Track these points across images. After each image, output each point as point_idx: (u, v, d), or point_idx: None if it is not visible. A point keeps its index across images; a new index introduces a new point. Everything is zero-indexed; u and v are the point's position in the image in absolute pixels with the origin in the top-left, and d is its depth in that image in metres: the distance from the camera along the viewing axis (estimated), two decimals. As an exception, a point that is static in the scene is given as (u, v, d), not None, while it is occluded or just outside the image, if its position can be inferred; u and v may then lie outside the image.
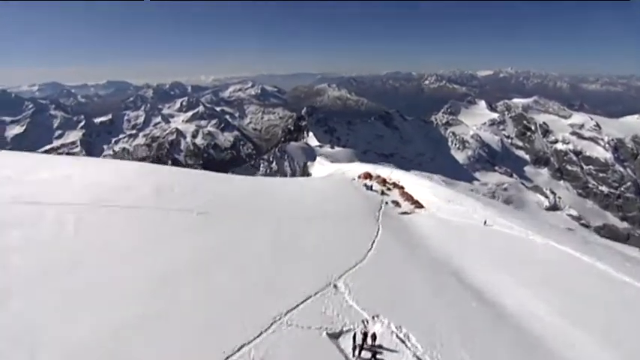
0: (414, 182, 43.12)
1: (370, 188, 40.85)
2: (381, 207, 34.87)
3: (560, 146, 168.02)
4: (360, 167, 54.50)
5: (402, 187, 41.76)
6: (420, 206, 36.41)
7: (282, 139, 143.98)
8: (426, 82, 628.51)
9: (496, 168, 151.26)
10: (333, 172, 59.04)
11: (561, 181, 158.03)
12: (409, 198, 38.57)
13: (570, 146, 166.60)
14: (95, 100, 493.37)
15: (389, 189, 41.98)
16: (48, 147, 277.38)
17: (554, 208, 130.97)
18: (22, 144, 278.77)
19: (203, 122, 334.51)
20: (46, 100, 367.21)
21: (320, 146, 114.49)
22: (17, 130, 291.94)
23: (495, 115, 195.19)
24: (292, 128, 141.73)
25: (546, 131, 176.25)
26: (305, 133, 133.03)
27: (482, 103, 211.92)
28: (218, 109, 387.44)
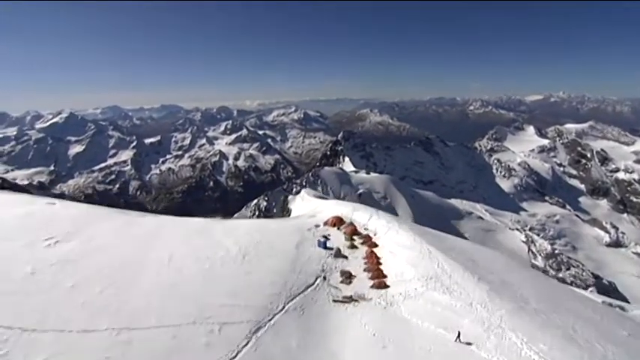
0: (398, 239, 29.18)
1: (324, 245, 28.94)
2: (315, 283, 23.65)
3: (622, 175, 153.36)
4: (341, 208, 39.88)
5: (375, 245, 29.57)
6: (383, 285, 23.59)
7: (318, 163, 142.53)
8: (471, 107, 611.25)
9: (546, 198, 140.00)
10: (308, 211, 45.16)
11: (624, 215, 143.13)
12: (373, 267, 25.95)
13: (635, 175, 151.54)
14: (149, 122, 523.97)
15: (354, 245, 30.12)
16: (103, 165, 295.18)
17: (616, 244, 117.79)
18: (80, 161, 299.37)
19: (246, 145, 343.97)
20: (105, 121, 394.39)
21: (355, 172, 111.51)
22: (78, 148, 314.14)
23: (545, 142, 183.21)
24: (329, 153, 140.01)
25: (605, 159, 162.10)
26: (341, 157, 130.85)
27: (531, 129, 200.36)
28: (261, 132, 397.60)
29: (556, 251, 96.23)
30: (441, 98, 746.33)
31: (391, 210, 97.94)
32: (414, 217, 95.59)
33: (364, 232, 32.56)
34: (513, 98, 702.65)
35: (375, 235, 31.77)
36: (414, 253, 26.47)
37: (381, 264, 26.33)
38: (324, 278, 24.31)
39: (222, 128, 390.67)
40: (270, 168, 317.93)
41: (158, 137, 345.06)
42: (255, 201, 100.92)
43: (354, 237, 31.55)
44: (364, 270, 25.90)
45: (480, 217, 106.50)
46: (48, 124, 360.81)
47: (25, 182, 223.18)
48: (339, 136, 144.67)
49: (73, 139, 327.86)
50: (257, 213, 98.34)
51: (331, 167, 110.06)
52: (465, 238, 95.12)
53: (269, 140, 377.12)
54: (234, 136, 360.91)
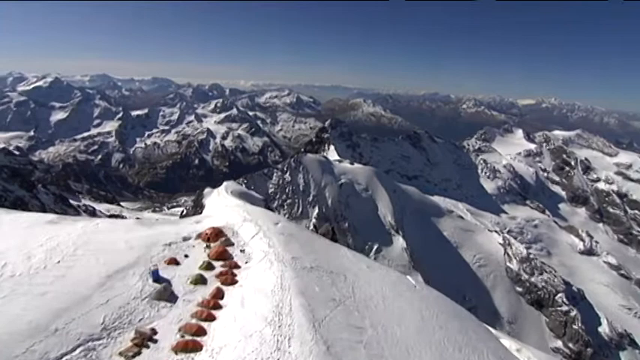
0: (262, 281, 18.60)
1: (155, 276, 18.53)
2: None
3: (602, 186, 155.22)
4: (230, 216, 28.95)
5: (232, 283, 19.09)
6: (190, 348, 14.09)
7: (302, 149, 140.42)
8: (464, 106, 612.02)
9: (527, 202, 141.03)
10: (206, 213, 35.00)
11: (600, 224, 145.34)
12: (191, 329, 15.10)
13: (614, 187, 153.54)
14: (138, 93, 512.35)
15: (202, 279, 19.14)
16: (86, 134, 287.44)
17: (589, 252, 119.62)
18: (62, 129, 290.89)
19: (235, 125, 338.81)
20: (93, 90, 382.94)
21: (339, 161, 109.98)
22: (61, 115, 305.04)
23: (532, 146, 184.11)
24: (314, 140, 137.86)
25: (587, 168, 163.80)
26: (326, 145, 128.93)
27: (520, 132, 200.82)
28: (251, 113, 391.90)
29: (531, 255, 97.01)
30: (436, 94, 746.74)
31: (372, 203, 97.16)
32: (394, 212, 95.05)
33: (233, 259, 21.70)
34: (506, 100, 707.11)
35: (245, 263, 21.11)
36: (266, 308, 16.06)
37: (214, 319, 15.92)
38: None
39: (212, 106, 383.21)
40: (257, 150, 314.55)
41: (146, 110, 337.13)
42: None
43: (217, 263, 20.86)
44: (179, 330, 15.11)
45: (461, 217, 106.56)
46: (31, 87, 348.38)
47: (3, 145, 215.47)
48: (327, 123, 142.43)
49: (57, 105, 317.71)
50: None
51: (315, 155, 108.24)
52: (444, 237, 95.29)
53: (259, 122, 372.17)
54: (223, 115, 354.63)
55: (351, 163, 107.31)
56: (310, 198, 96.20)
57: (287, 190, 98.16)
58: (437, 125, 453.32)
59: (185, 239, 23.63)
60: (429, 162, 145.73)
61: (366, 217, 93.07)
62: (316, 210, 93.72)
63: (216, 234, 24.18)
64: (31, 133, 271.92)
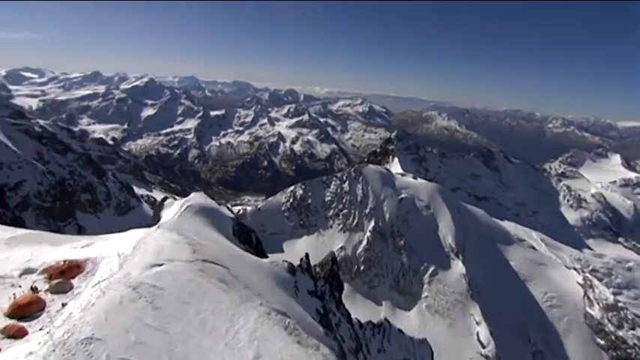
0: None
1: None
2: None
3: None
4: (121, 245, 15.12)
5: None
6: None
7: (366, 159, 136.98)
8: (550, 125, 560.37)
9: (620, 239, 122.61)
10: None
11: None
12: None
13: None
14: (219, 95, 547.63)
15: None
16: (169, 130, 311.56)
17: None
18: (150, 124, 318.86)
19: (305, 130, 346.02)
20: (180, 90, 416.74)
21: (402, 174, 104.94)
22: (150, 112, 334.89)
23: (632, 175, 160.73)
24: (379, 150, 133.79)
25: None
26: (390, 157, 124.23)
27: (617, 158, 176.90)
28: (322, 120, 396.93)
29: (620, 304, 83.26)
30: (518, 111, 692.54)
31: (433, 222, 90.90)
32: (455, 234, 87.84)
33: (39, 316, 11.48)
34: (602, 121, 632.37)
35: (39, 330, 10.69)
36: None
37: None
38: None
39: (285, 111, 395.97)
40: (325, 156, 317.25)
41: (223, 111, 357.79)
42: (292, 188, 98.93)
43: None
44: None
45: (533, 247, 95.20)
46: (130, 86, 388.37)
47: (102, 136, 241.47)
48: (393, 134, 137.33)
49: (149, 102, 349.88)
50: (292, 200, 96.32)
51: (377, 166, 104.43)
52: (511, 268, 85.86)
53: (329, 129, 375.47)
54: (295, 119, 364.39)
55: (415, 178, 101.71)
56: (367, 210, 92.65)
57: (344, 199, 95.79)
58: (516, 144, 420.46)
59: (26, 272, 14.64)
60: (501, 183, 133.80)
61: (425, 236, 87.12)
62: (372, 223, 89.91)
63: (70, 269, 14.19)
64: (125, 126, 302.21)
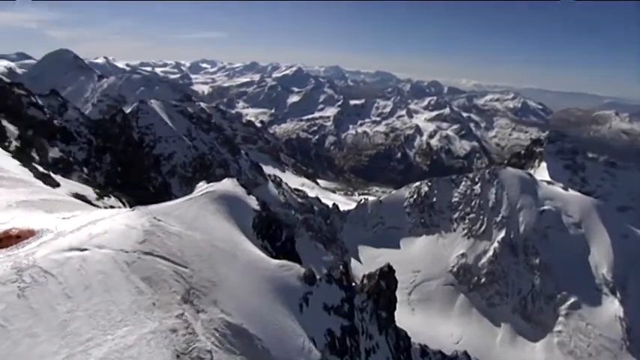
0: None
1: None
2: None
3: None
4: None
5: None
6: None
7: (505, 161, 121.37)
8: None
9: None
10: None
11: None
12: None
13: None
14: (360, 85, 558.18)
15: None
16: (310, 116, 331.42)
17: None
18: (294, 110, 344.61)
19: (444, 124, 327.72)
20: (324, 79, 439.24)
21: (549, 182, 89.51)
22: (295, 98, 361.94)
23: None
24: (523, 152, 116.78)
25: None
26: (536, 162, 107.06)
27: None
28: (465, 114, 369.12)
29: None
30: None
31: (583, 244, 75.59)
32: (614, 264, 71.29)
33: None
34: None
35: None
36: None
37: None
38: None
39: (426, 103, 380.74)
40: (464, 154, 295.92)
41: (363, 100, 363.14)
42: (417, 183, 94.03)
43: None
44: None
45: None
46: (281, 74, 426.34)
47: (252, 119, 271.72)
48: (543, 135, 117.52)
49: (296, 89, 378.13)
50: (415, 196, 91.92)
51: (517, 170, 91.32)
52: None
53: (471, 125, 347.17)
54: (435, 113, 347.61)
55: (565, 189, 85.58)
56: (498, 218, 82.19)
57: (473, 203, 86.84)
58: None
59: None
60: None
61: (569, 259, 73.00)
62: (502, 233, 79.48)
63: (7, 239, 11.15)
64: (273, 110, 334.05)
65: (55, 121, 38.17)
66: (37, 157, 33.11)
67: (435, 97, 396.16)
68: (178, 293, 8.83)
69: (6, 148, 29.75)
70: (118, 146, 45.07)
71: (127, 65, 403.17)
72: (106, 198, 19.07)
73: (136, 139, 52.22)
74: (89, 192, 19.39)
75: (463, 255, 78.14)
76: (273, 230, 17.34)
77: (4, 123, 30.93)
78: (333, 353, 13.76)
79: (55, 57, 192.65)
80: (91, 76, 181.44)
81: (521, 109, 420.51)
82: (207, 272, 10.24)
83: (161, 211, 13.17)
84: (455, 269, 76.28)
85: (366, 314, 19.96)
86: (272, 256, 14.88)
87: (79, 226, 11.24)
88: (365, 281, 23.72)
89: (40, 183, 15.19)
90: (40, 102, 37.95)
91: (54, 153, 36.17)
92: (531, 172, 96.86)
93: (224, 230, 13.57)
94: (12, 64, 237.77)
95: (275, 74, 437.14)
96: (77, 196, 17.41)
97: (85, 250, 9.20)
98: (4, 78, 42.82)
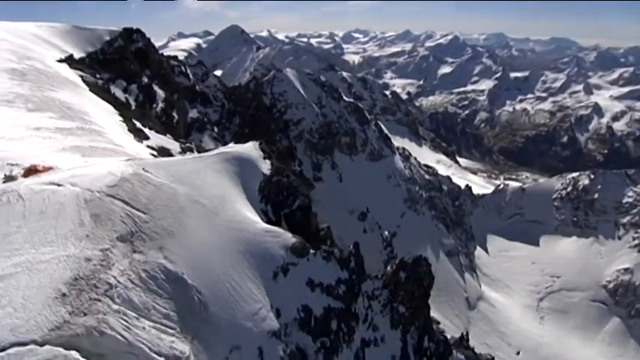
0: None
1: None
2: None
3: None
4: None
5: None
6: None
7: None
8: None
9: None
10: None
11: None
12: None
13: None
14: (528, 54, 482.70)
15: None
16: (462, 89, 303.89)
17: None
18: (444, 82, 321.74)
19: (638, 104, 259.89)
20: (483, 48, 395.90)
21: None
22: (447, 69, 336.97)
23: None
24: None
25: None
26: None
27: None
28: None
29: None
30: None
31: None
32: None
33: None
34: None
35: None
36: None
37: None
38: None
39: (615, 76, 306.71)
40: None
41: (526, 73, 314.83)
42: (575, 174, 77.90)
43: None
44: None
45: None
46: (434, 43, 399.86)
47: (399, 90, 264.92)
48: None
49: (449, 60, 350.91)
50: (570, 189, 76.75)
51: None
52: None
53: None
54: (627, 89, 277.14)
55: None
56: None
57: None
58: None
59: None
60: None
61: None
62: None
63: (33, 170, 11.98)
64: (421, 82, 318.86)
65: (197, 87, 43.88)
66: (176, 117, 38.17)
67: (630, 69, 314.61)
68: (118, 232, 8.90)
69: (152, 108, 34.90)
70: (249, 111, 49.46)
71: (286, 37, 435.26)
72: (188, 153, 20.86)
73: (267, 105, 56.30)
74: (175, 146, 21.64)
75: (627, 270, 62.42)
76: (283, 197, 16.20)
77: (155, 88, 36.27)
78: (304, 331, 12.21)
79: (227, 33, 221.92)
80: (251, 47, 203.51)
81: None
82: (168, 221, 9.90)
83: (156, 164, 13.03)
84: (611, 285, 61.64)
85: (378, 304, 17.60)
86: (270, 222, 13.90)
87: (75, 167, 12.04)
88: (388, 268, 20.88)
89: (121, 135, 17.58)
90: (187, 71, 44.00)
91: (192, 114, 41.48)
92: None
93: (217, 188, 13.01)
94: (200, 41, 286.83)
95: (428, 43, 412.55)
96: (162, 149, 19.40)
97: (60, 185, 9.94)
98: (191, 52, 50.23)
